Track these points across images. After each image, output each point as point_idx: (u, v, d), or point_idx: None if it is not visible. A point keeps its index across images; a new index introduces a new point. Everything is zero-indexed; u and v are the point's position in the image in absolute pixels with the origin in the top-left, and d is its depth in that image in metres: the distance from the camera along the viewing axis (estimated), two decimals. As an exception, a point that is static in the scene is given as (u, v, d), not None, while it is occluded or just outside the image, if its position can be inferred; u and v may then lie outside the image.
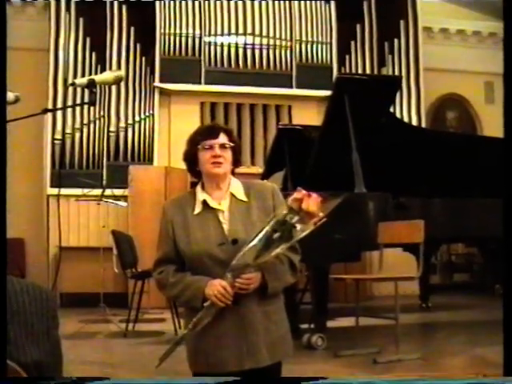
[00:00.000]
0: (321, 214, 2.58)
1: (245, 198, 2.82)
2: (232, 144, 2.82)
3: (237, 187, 2.85)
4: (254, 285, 2.67)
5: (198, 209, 2.79)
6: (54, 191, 9.88)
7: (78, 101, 10.19)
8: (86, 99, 9.69)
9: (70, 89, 10.14)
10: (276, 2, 11.22)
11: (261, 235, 2.57)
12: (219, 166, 2.76)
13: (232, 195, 2.82)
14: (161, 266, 2.83)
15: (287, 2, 11.29)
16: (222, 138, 2.80)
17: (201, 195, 2.81)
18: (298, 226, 2.56)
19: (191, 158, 2.84)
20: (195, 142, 2.82)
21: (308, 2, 11.37)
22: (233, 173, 2.89)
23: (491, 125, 12.38)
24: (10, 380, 1.64)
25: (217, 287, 2.62)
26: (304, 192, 2.58)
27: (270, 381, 2.84)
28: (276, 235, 2.56)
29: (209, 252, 2.70)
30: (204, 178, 2.84)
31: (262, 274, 2.68)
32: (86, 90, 2.84)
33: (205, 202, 2.79)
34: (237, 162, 2.87)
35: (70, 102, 10.19)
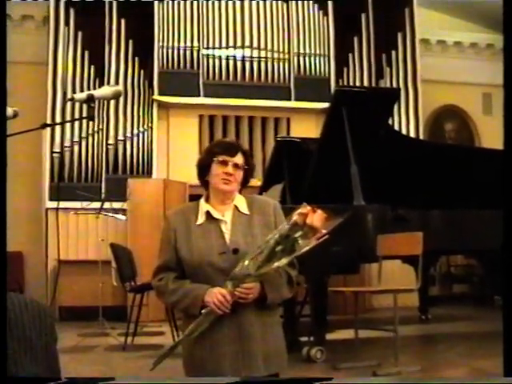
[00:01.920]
0: (324, 231, 2.60)
1: (247, 212, 2.87)
2: (246, 166, 2.87)
3: (240, 201, 2.90)
4: (253, 295, 2.70)
5: (201, 219, 2.84)
6: (53, 204, 9.84)
7: (77, 115, 10.17)
8: (85, 113, 9.74)
9: (69, 102, 10.14)
10: (274, 15, 11.25)
11: (264, 247, 2.62)
12: (228, 184, 2.82)
13: (235, 207, 2.87)
14: (161, 273, 2.87)
15: (285, 15, 11.32)
16: (239, 158, 2.85)
17: (204, 206, 2.86)
18: (301, 241, 2.60)
19: (204, 167, 2.89)
20: (212, 153, 2.87)
21: (306, 15, 11.40)
22: (240, 192, 2.95)
23: (489, 136, 12.41)
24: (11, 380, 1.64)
25: (216, 295, 2.66)
26: (309, 207, 2.62)
27: (283, 381, 2.86)
28: (279, 248, 2.60)
29: (210, 260, 2.74)
30: (210, 191, 2.89)
31: (261, 285, 2.71)
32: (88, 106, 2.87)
33: (208, 213, 2.84)
34: (246, 183, 2.93)
35: (68, 116, 10.19)
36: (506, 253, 2.82)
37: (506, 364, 2.74)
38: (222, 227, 2.81)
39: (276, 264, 2.61)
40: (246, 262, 2.64)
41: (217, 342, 2.73)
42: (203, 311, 2.69)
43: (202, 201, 2.90)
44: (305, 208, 2.62)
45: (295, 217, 2.61)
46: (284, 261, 2.61)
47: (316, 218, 2.60)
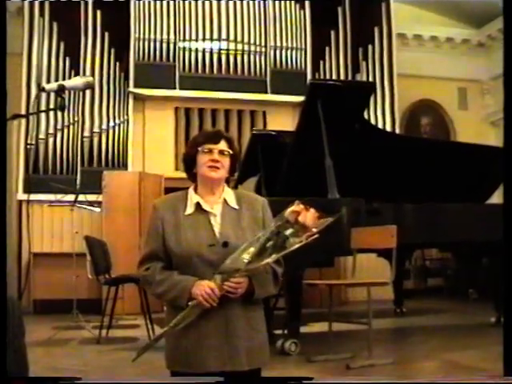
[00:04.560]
0: (314, 230, 2.61)
1: (236, 206, 2.87)
2: (231, 152, 2.87)
3: (229, 195, 2.90)
4: (242, 290, 2.70)
5: (190, 210, 2.83)
6: (27, 196, 9.81)
7: (53, 106, 10.11)
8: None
9: (44, 94, 10.05)
10: (251, 8, 11.25)
11: (254, 242, 2.62)
12: (215, 171, 2.81)
13: (225, 201, 2.86)
14: (147, 262, 2.84)
15: (262, 8, 11.32)
16: (223, 145, 2.85)
17: (194, 197, 2.85)
18: (291, 239, 2.60)
19: (190, 159, 2.89)
20: (196, 144, 2.88)
21: (283, 8, 11.41)
22: (228, 181, 2.94)
23: (465, 130, 12.52)
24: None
25: (204, 288, 2.65)
26: (302, 206, 2.62)
27: (259, 380, 2.86)
28: (269, 244, 2.60)
29: (199, 252, 2.73)
30: (199, 181, 2.88)
31: (249, 280, 2.71)
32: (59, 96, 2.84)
33: (198, 204, 2.83)
34: (233, 170, 2.93)
35: (43, 108, 10.15)
36: (506, 253, 2.84)
37: (506, 364, 2.76)
38: (211, 219, 2.81)
39: (266, 260, 2.60)
40: (236, 257, 2.62)
41: (202, 335, 2.72)
42: (190, 303, 2.67)
43: (191, 191, 2.89)
44: (297, 206, 2.62)
45: (287, 214, 2.61)
46: (274, 257, 2.61)
47: (309, 216, 2.61)
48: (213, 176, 2.82)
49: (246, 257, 2.61)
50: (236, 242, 2.70)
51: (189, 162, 2.91)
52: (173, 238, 2.78)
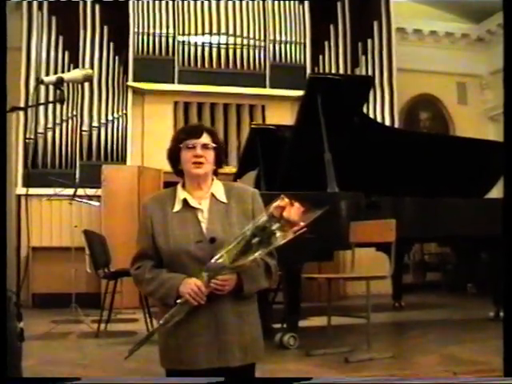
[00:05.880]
0: (301, 224, 2.60)
1: (225, 200, 2.85)
2: (214, 145, 2.85)
3: (218, 188, 2.88)
4: (229, 287, 2.69)
5: (177, 207, 2.82)
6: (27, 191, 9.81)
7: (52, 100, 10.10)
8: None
9: (43, 88, 10.04)
10: (250, 2, 11.22)
11: (240, 239, 2.61)
12: (200, 167, 2.80)
13: (212, 195, 2.85)
14: (138, 261, 2.85)
15: (261, 2, 11.29)
16: (205, 138, 2.83)
17: (181, 193, 2.84)
18: (278, 233, 2.59)
19: (174, 156, 2.89)
20: (178, 140, 2.87)
21: (282, 2, 11.38)
22: (216, 173, 2.92)
23: (464, 125, 12.51)
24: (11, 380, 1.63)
25: (191, 286, 2.65)
26: (287, 200, 2.60)
27: (258, 381, 2.86)
28: (255, 240, 2.59)
29: (186, 249, 2.72)
30: (185, 178, 2.87)
31: (237, 275, 2.70)
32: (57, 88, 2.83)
33: (185, 201, 2.82)
34: (220, 162, 2.91)
35: (43, 101, 10.14)
36: (505, 247, 2.83)
37: (506, 364, 2.75)
38: (198, 216, 2.80)
39: (252, 256, 2.59)
40: (222, 254, 2.62)
41: (192, 332, 2.72)
42: (178, 301, 2.68)
43: (179, 187, 2.88)
44: (282, 201, 2.60)
45: (272, 209, 2.59)
46: (260, 253, 2.60)
47: (293, 211, 2.59)
48: (198, 172, 2.81)
49: (232, 254, 2.60)
50: (224, 238, 2.69)
51: (173, 160, 2.90)
52: (161, 236, 2.79)
